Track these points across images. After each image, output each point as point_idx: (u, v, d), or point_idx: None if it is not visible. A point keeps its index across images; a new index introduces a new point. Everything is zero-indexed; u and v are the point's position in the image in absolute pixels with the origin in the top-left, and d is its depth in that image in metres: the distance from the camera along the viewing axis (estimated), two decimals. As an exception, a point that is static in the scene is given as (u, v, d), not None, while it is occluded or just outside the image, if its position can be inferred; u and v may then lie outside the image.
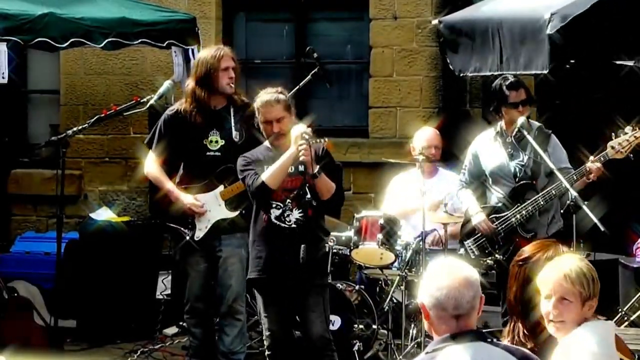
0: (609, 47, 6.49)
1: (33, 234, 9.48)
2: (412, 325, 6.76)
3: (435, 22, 7.46)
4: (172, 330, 8.09)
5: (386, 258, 6.74)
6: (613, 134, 6.16)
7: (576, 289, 3.62)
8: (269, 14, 9.90)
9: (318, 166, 5.63)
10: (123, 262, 8.05)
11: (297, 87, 7.76)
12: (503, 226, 6.46)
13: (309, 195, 5.61)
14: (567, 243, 5.97)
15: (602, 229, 5.68)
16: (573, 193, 6.00)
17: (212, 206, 6.42)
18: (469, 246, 6.61)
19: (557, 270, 3.66)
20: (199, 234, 6.43)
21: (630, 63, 6.81)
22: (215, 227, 6.42)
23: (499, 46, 6.59)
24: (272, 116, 5.82)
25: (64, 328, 7.58)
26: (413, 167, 7.17)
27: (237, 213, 6.44)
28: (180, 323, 7.77)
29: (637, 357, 4.17)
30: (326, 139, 5.86)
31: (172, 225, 6.52)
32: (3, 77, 7.07)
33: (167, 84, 6.79)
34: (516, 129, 6.42)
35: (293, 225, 5.75)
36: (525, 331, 3.95)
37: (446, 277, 3.40)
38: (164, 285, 8.39)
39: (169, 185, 6.48)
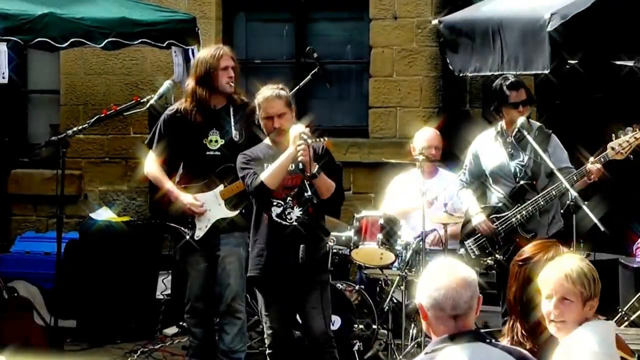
0: (608, 47, 6.49)
1: (33, 234, 9.48)
2: (412, 325, 6.76)
3: (435, 22, 7.47)
4: (172, 330, 8.09)
5: (386, 258, 6.74)
6: (613, 134, 6.16)
7: (577, 289, 3.62)
8: (269, 14, 9.90)
9: (317, 166, 5.63)
10: (123, 262, 8.05)
11: (297, 87, 7.77)
12: (503, 226, 6.46)
13: (309, 193, 5.60)
14: (567, 243, 5.98)
15: (602, 229, 5.68)
16: (573, 193, 6.01)
17: (211, 205, 6.42)
18: (470, 246, 6.61)
19: (558, 270, 3.66)
20: (199, 233, 6.43)
21: (630, 63, 6.82)
22: (215, 227, 6.42)
23: (499, 46, 6.59)
24: (274, 111, 5.82)
25: (64, 328, 7.58)
26: (413, 167, 7.17)
27: (237, 212, 6.44)
28: (180, 323, 7.77)
29: (637, 356, 4.16)
30: (325, 138, 5.87)
31: (172, 225, 6.52)
32: (3, 77, 7.07)
33: (167, 84, 6.79)
34: (516, 129, 6.42)
35: (294, 223, 5.75)
36: (524, 331, 3.95)
37: (444, 277, 3.41)
38: (164, 285, 8.39)
39: (169, 185, 6.48)
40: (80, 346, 7.79)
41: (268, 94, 5.86)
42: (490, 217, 6.52)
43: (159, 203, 6.57)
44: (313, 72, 8.14)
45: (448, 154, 7.60)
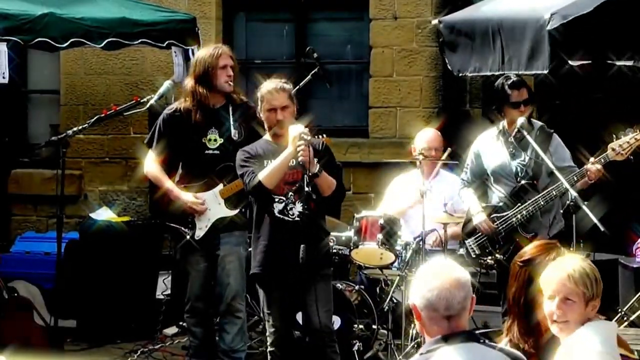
0: (608, 47, 6.49)
1: (33, 234, 9.48)
2: (412, 325, 6.75)
3: (435, 22, 7.46)
4: (172, 330, 8.09)
5: (386, 258, 6.74)
6: (614, 135, 6.16)
7: (580, 290, 3.63)
8: (269, 14, 9.90)
9: (318, 165, 5.64)
10: (123, 262, 8.06)
11: (297, 87, 7.76)
12: (504, 226, 6.46)
13: (308, 189, 5.61)
14: (568, 243, 5.98)
15: (602, 229, 5.69)
16: (573, 193, 6.01)
17: (211, 205, 6.43)
18: (470, 245, 6.62)
19: (561, 270, 3.67)
20: (199, 233, 6.43)
21: (630, 63, 6.82)
22: (215, 226, 6.43)
23: (499, 46, 6.59)
24: (278, 103, 5.84)
25: (64, 328, 7.58)
26: (413, 168, 7.17)
27: (236, 211, 6.44)
28: (180, 323, 7.77)
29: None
30: (324, 135, 5.89)
31: (172, 224, 6.52)
32: (3, 77, 7.07)
33: (167, 84, 6.80)
34: (516, 129, 6.43)
35: (296, 219, 5.75)
36: (522, 331, 3.95)
37: (437, 278, 3.42)
38: (164, 285, 8.39)
39: (169, 184, 6.48)
40: (80, 346, 7.79)
41: (272, 86, 5.90)
42: (491, 216, 6.52)
43: (159, 202, 6.57)
44: (313, 72, 8.15)
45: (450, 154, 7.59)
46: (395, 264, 6.78)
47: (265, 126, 5.97)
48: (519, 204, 6.41)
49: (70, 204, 9.36)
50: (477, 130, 6.98)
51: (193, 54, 7.76)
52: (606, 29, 6.26)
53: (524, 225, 6.41)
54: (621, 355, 3.63)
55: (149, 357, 7.47)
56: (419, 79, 9.30)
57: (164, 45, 7.99)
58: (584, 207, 5.86)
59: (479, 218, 6.53)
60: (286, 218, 5.78)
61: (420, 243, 6.68)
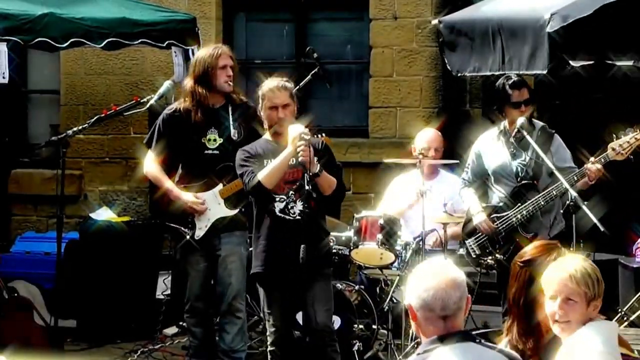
0: (608, 47, 6.48)
1: (33, 234, 9.48)
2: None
3: (435, 22, 7.46)
4: (172, 330, 8.09)
5: (386, 258, 6.74)
6: (614, 135, 6.16)
7: (581, 290, 3.63)
8: (269, 14, 9.90)
9: (319, 165, 5.65)
10: (123, 262, 8.06)
11: (297, 87, 7.75)
12: (504, 226, 6.46)
13: (308, 187, 5.61)
14: (567, 243, 5.98)
15: (602, 229, 5.68)
16: (573, 193, 6.01)
17: (211, 205, 6.43)
18: (470, 245, 6.62)
19: (562, 270, 3.67)
20: (199, 233, 6.43)
21: (630, 63, 6.81)
22: (215, 226, 6.43)
23: (500, 46, 6.59)
24: (279, 101, 5.85)
25: (64, 328, 7.58)
26: (414, 168, 7.17)
27: (236, 211, 6.45)
28: (180, 323, 7.77)
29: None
30: (323, 134, 5.89)
31: (172, 224, 6.52)
32: (3, 77, 7.07)
33: (167, 84, 6.80)
34: (516, 129, 6.43)
35: (297, 217, 5.75)
36: (522, 331, 3.95)
37: (433, 278, 3.44)
38: (164, 285, 8.39)
39: (169, 184, 6.48)
40: (80, 346, 7.79)
41: (273, 84, 5.92)
42: (491, 216, 6.52)
43: (159, 202, 6.57)
44: (313, 72, 8.15)
45: (449, 154, 7.60)
46: (395, 264, 6.78)
47: (266, 125, 5.97)
48: (519, 204, 6.41)
49: (70, 204, 9.36)
50: (477, 130, 6.98)
51: (193, 54, 7.76)
52: (606, 29, 6.25)
53: (524, 226, 6.41)
54: (622, 354, 3.63)
55: (149, 357, 7.47)
56: (419, 79, 9.30)
57: (164, 45, 7.99)
58: (584, 207, 5.86)
59: (479, 218, 6.53)
60: (287, 217, 5.78)
61: (420, 243, 6.68)
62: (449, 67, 7.13)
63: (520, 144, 6.46)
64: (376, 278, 7.13)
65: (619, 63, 6.81)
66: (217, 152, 6.42)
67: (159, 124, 6.53)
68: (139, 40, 7.90)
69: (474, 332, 6.34)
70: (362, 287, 7.13)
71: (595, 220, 5.75)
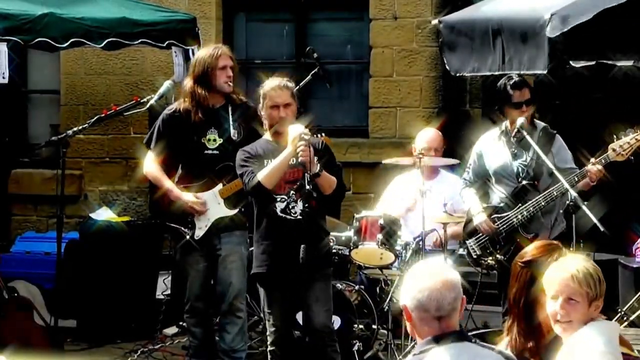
0: (609, 48, 6.48)
1: (33, 233, 9.49)
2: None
3: (435, 22, 7.46)
4: (172, 330, 8.09)
5: (386, 258, 6.74)
6: (615, 136, 6.16)
7: (583, 290, 3.64)
8: (269, 14, 9.90)
9: (319, 165, 5.65)
10: (123, 262, 8.06)
11: (297, 87, 7.75)
12: (504, 226, 6.46)
13: (309, 187, 5.62)
14: (567, 243, 5.98)
15: (602, 229, 5.68)
16: (573, 193, 6.00)
17: (211, 204, 6.43)
18: (471, 246, 6.62)
19: (564, 270, 3.67)
20: (199, 232, 6.43)
21: (630, 63, 6.82)
22: (214, 226, 6.43)
23: (500, 46, 6.58)
24: (281, 100, 5.86)
25: (64, 328, 7.59)
26: (414, 167, 7.16)
27: (236, 211, 6.45)
28: (180, 323, 7.77)
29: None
30: (323, 134, 5.89)
31: (172, 224, 6.52)
32: (3, 77, 7.07)
33: (167, 84, 6.80)
34: (515, 129, 6.43)
35: (299, 217, 5.76)
36: (522, 331, 3.95)
37: (427, 279, 3.45)
38: (164, 285, 8.39)
39: (169, 184, 6.48)
40: (80, 346, 7.79)
41: (275, 83, 5.93)
42: (492, 217, 6.52)
43: (159, 202, 6.58)
44: (313, 72, 8.15)
45: (450, 154, 7.59)
46: (395, 264, 6.78)
47: (266, 125, 5.97)
48: (520, 205, 6.41)
49: (70, 204, 9.36)
50: (477, 130, 6.98)
51: (193, 54, 7.76)
52: (606, 31, 6.25)
53: (525, 226, 6.41)
54: (623, 353, 3.64)
55: (149, 357, 7.47)
56: (419, 79, 9.30)
57: (164, 45, 7.99)
58: (584, 207, 5.85)
59: (480, 218, 6.53)
60: (288, 217, 5.79)
61: (420, 243, 6.68)
62: (448, 67, 7.13)
63: (521, 145, 6.46)
64: (376, 278, 7.13)
65: (619, 63, 6.81)
66: (217, 152, 6.42)
67: (159, 124, 6.53)
68: (139, 40, 7.90)
69: (474, 332, 6.39)
70: (362, 287, 7.13)
71: (595, 220, 5.75)
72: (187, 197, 6.40)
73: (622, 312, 6.38)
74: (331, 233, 6.33)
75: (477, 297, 6.76)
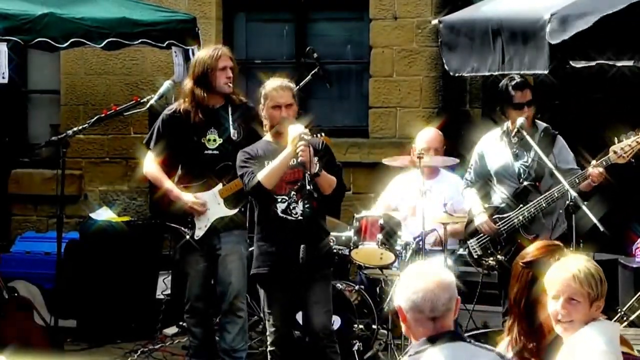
0: (609, 48, 6.48)
1: (33, 233, 9.48)
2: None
3: (435, 22, 7.46)
4: (172, 330, 8.09)
5: (386, 258, 6.74)
6: (616, 138, 6.16)
7: (585, 290, 3.64)
8: (269, 14, 9.90)
9: (318, 165, 5.65)
10: (123, 262, 8.06)
11: (297, 87, 7.75)
12: (505, 227, 6.47)
13: (309, 187, 5.62)
14: (567, 244, 5.98)
15: (602, 229, 5.68)
16: (572, 193, 6.00)
17: (211, 204, 6.43)
18: (472, 246, 6.62)
19: (565, 270, 3.68)
20: (199, 232, 6.44)
21: (630, 63, 6.81)
22: (214, 226, 6.43)
23: (500, 46, 6.58)
24: (283, 101, 5.87)
25: (64, 328, 7.59)
26: (414, 167, 7.15)
27: (235, 211, 6.45)
28: (180, 323, 7.77)
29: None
30: (322, 133, 5.89)
31: (172, 224, 6.52)
32: (3, 77, 7.07)
33: (167, 84, 6.81)
34: (515, 130, 6.43)
35: (300, 218, 5.76)
36: (523, 332, 3.95)
37: (422, 280, 3.46)
38: (164, 285, 8.39)
39: (169, 184, 6.48)
40: (80, 346, 7.79)
41: (277, 83, 5.94)
42: (493, 217, 6.52)
43: (159, 203, 6.58)
44: (313, 72, 8.15)
45: (451, 154, 7.59)
46: (395, 264, 6.78)
47: (267, 126, 5.97)
48: (521, 205, 6.41)
49: (70, 204, 9.36)
50: (477, 131, 6.98)
51: (193, 54, 7.76)
52: (606, 31, 6.24)
53: (526, 227, 6.41)
54: (623, 353, 3.64)
55: (149, 357, 7.48)
56: (419, 79, 9.30)
57: (164, 45, 7.99)
58: (584, 207, 5.85)
59: (481, 219, 6.54)
60: (289, 217, 5.79)
61: (420, 243, 6.68)
62: (447, 67, 7.12)
63: (522, 145, 6.45)
64: (376, 278, 7.13)
65: (619, 64, 6.81)
66: (217, 152, 6.42)
67: (159, 125, 6.53)
68: (139, 40, 7.90)
69: (474, 332, 6.39)
70: (362, 287, 7.13)
71: (595, 220, 5.75)
72: (187, 197, 6.40)
73: (622, 312, 6.38)
74: (331, 233, 6.34)
75: (477, 297, 6.77)
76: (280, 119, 5.86)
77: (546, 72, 6.29)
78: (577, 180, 6.16)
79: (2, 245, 9.41)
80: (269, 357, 5.97)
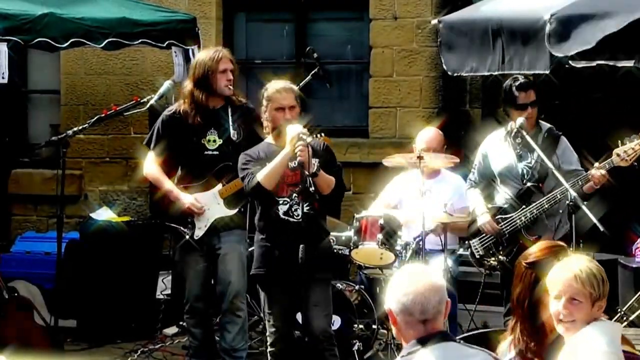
0: (609, 49, 6.48)
1: (33, 233, 9.49)
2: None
3: (435, 22, 7.45)
4: (172, 330, 8.09)
5: (386, 258, 6.74)
6: (619, 141, 6.15)
7: (586, 290, 3.65)
8: (269, 14, 9.90)
9: (316, 165, 5.65)
10: (123, 262, 8.06)
11: (297, 87, 7.75)
12: (508, 227, 6.47)
13: (312, 188, 5.62)
14: (568, 244, 5.98)
15: (602, 229, 5.68)
16: (572, 193, 6.00)
17: (211, 205, 6.44)
18: (474, 246, 6.62)
19: (568, 270, 3.68)
20: (199, 232, 6.44)
21: (630, 63, 6.81)
22: (214, 226, 6.44)
23: (499, 46, 6.57)
24: (286, 102, 5.87)
25: (64, 328, 7.59)
26: (414, 167, 7.15)
27: (235, 211, 6.45)
28: (180, 323, 7.77)
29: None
30: (322, 134, 5.89)
31: (172, 225, 6.52)
32: (3, 77, 7.07)
33: (167, 84, 6.81)
34: (515, 130, 6.43)
35: (301, 219, 5.76)
36: (526, 331, 3.95)
37: (412, 283, 3.47)
38: (164, 285, 8.39)
39: (169, 185, 6.49)
40: (80, 346, 7.79)
41: (280, 85, 5.94)
42: (496, 217, 6.52)
43: (159, 203, 6.58)
44: (313, 72, 8.15)
45: (452, 154, 7.58)
46: (395, 264, 6.77)
47: (268, 128, 5.97)
48: (524, 206, 6.41)
49: (70, 204, 9.36)
50: (477, 131, 6.98)
51: (193, 54, 7.77)
52: (606, 35, 6.24)
53: (528, 228, 6.42)
54: (625, 351, 3.64)
55: (149, 357, 7.48)
56: (419, 79, 9.30)
57: (164, 45, 8.00)
58: (584, 207, 5.86)
59: (483, 219, 6.55)
60: (291, 219, 5.79)
61: (420, 243, 6.68)
62: (445, 67, 7.12)
63: (525, 146, 6.45)
64: (376, 278, 7.13)
65: (619, 64, 6.80)
66: (217, 152, 6.42)
67: (159, 126, 6.53)
68: (139, 40, 7.90)
69: (475, 332, 6.39)
70: (362, 287, 7.13)
71: (595, 220, 5.75)
72: (187, 199, 6.40)
73: (622, 312, 6.38)
74: (331, 233, 6.34)
75: (478, 297, 6.77)
76: (284, 122, 5.85)
77: (547, 72, 6.29)
78: (580, 183, 6.16)
79: (2, 245, 9.41)
80: (269, 357, 5.97)
